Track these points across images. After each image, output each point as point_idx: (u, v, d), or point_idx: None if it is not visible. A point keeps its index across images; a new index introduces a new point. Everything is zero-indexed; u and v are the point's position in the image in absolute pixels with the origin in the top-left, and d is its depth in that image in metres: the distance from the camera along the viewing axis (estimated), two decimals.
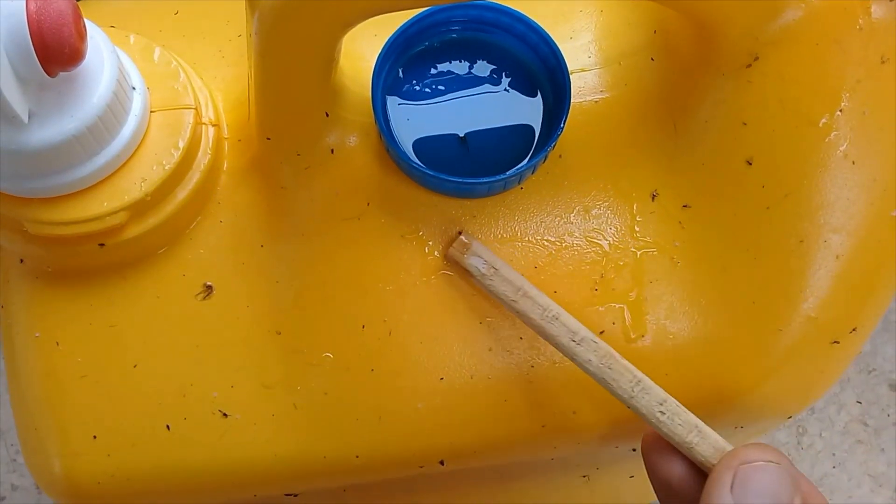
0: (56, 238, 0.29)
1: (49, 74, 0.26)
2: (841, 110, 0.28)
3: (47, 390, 0.32)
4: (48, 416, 0.32)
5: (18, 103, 0.26)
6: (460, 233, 0.31)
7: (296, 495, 0.34)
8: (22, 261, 0.31)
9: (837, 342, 0.32)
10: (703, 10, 0.27)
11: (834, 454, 0.65)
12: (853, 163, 0.28)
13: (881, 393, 0.67)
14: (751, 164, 0.29)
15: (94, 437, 0.31)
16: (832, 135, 0.28)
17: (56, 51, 0.26)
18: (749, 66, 0.28)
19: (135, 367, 0.31)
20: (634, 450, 0.37)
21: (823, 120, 0.28)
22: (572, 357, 0.30)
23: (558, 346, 0.30)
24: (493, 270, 0.30)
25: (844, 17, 0.27)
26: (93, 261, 0.31)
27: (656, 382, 0.32)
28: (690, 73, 0.30)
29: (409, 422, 0.32)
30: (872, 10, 0.27)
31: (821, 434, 0.65)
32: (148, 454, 0.32)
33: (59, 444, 0.32)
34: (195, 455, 0.32)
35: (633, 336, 0.32)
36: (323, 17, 0.26)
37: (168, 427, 0.32)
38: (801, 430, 0.65)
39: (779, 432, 0.65)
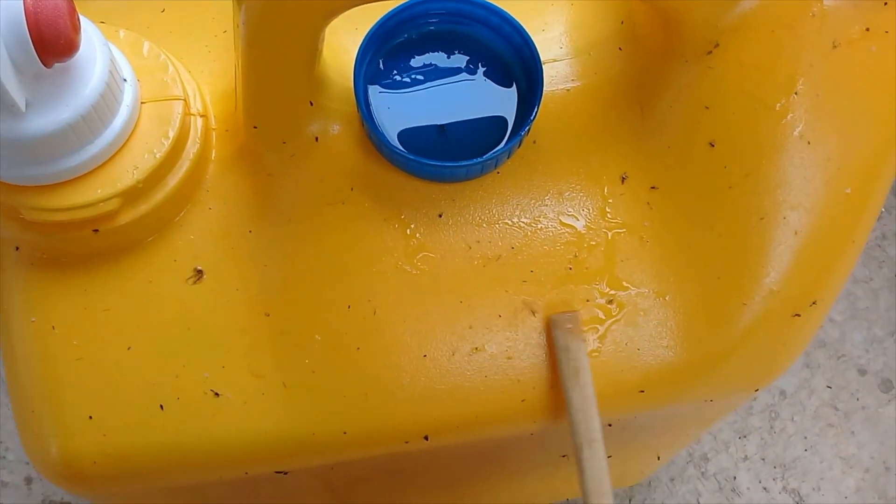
0: (51, 224, 0.30)
1: (45, 65, 0.27)
2: (796, 93, 0.30)
3: (43, 373, 0.33)
4: (44, 398, 0.33)
5: (16, 92, 0.27)
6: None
7: (286, 473, 0.36)
8: (18, 248, 0.32)
9: (799, 315, 0.33)
10: (667, 0, 0.29)
11: (805, 437, 0.67)
12: (808, 143, 0.30)
13: (850, 378, 0.69)
14: (713, 145, 0.31)
15: (90, 417, 0.32)
16: (788, 117, 0.30)
17: (52, 42, 0.27)
18: (710, 52, 0.30)
19: (128, 349, 0.33)
20: (610, 425, 0.39)
21: (780, 103, 0.30)
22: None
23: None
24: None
25: (798, 4, 0.29)
26: (87, 247, 0.32)
27: (628, 358, 0.34)
28: (656, 60, 0.32)
29: (395, 398, 0.33)
30: None
31: (793, 418, 0.67)
32: (142, 434, 0.33)
33: (55, 425, 0.33)
34: (188, 434, 0.33)
35: (605, 313, 0.34)
36: (307, 7, 0.27)
37: (161, 407, 0.33)
38: (773, 414, 0.67)
39: (752, 417, 0.67)
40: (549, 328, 0.33)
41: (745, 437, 0.67)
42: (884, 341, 0.70)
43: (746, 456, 0.66)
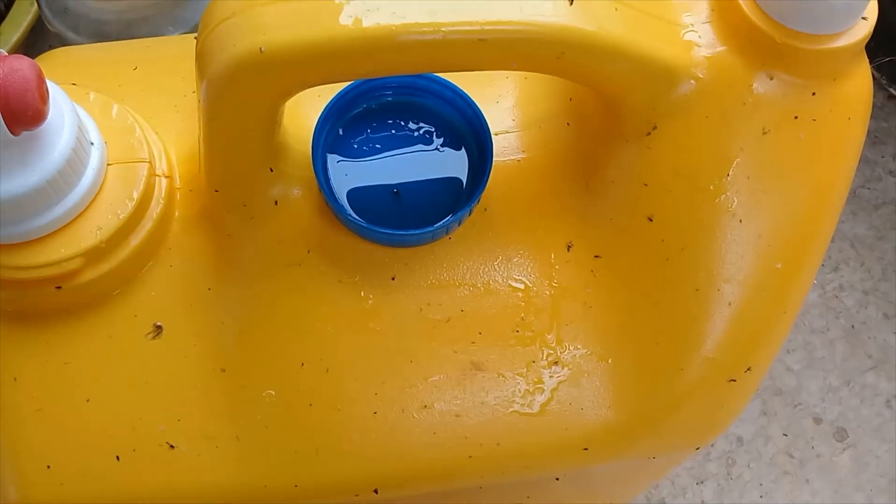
0: (16, 281, 0.32)
1: (13, 134, 0.29)
2: (729, 175, 0.31)
3: (4, 423, 0.33)
4: (4, 446, 0.34)
5: None
6: None
7: None
8: None
9: (734, 380, 0.35)
10: (607, 85, 0.31)
11: (761, 484, 0.68)
12: (740, 221, 0.32)
13: (806, 426, 0.70)
14: (651, 220, 0.33)
15: (48, 466, 0.33)
16: (721, 197, 0.32)
17: (20, 113, 0.28)
18: (648, 133, 0.32)
19: (87, 401, 0.34)
20: (558, 479, 0.40)
21: (713, 184, 0.31)
22: None
23: None
24: None
25: (730, 92, 0.31)
26: (50, 302, 0.33)
27: (572, 416, 0.36)
28: (600, 137, 0.33)
29: (345, 453, 0.35)
30: (754, 86, 0.31)
31: (749, 465, 0.69)
32: (98, 483, 0.34)
33: (14, 473, 0.34)
34: (143, 484, 0.34)
35: (550, 374, 0.35)
36: (266, 87, 0.28)
37: (118, 458, 0.34)
38: (730, 461, 0.69)
39: (709, 463, 0.69)
40: None
41: (702, 482, 0.68)
42: (839, 391, 0.71)
43: (703, 501, 0.67)
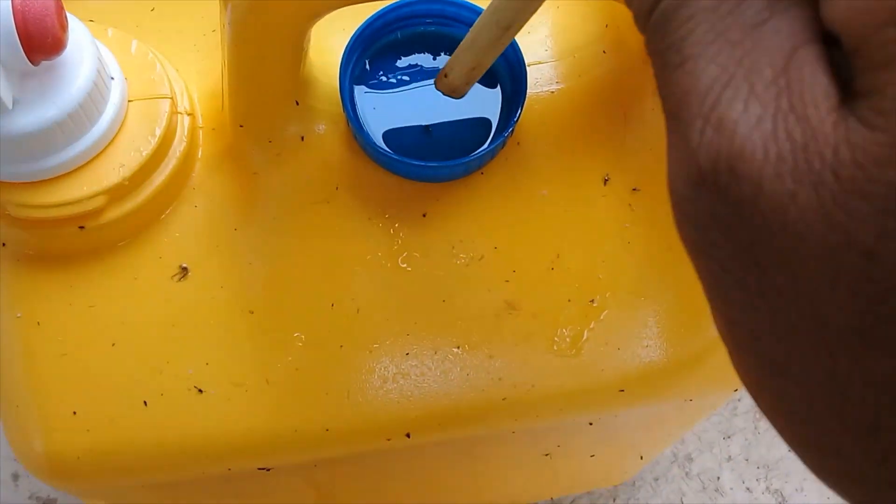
0: (38, 221, 0.31)
1: (32, 63, 0.28)
2: None
3: (28, 369, 0.33)
4: (29, 393, 0.33)
5: (3, 90, 0.27)
6: None
7: (268, 469, 0.36)
8: (4, 244, 0.33)
9: None
10: None
11: None
12: None
13: None
14: None
15: (74, 413, 0.33)
16: None
17: (39, 40, 0.27)
18: None
19: (113, 345, 0.33)
20: (591, 424, 0.39)
21: None
22: None
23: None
24: None
25: None
26: (73, 244, 0.32)
27: (608, 357, 0.35)
28: (638, 64, 0.32)
29: (377, 396, 0.34)
30: None
31: None
32: (125, 429, 0.33)
33: (39, 420, 0.33)
34: (171, 430, 0.33)
35: (586, 313, 0.34)
36: (291, 8, 0.27)
37: (145, 403, 0.33)
38: (757, 415, 0.68)
39: (736, 418, 0.68)
40: None
41: (729, 437, 0.67)
42: None
43: (730, 456, 0.67)
